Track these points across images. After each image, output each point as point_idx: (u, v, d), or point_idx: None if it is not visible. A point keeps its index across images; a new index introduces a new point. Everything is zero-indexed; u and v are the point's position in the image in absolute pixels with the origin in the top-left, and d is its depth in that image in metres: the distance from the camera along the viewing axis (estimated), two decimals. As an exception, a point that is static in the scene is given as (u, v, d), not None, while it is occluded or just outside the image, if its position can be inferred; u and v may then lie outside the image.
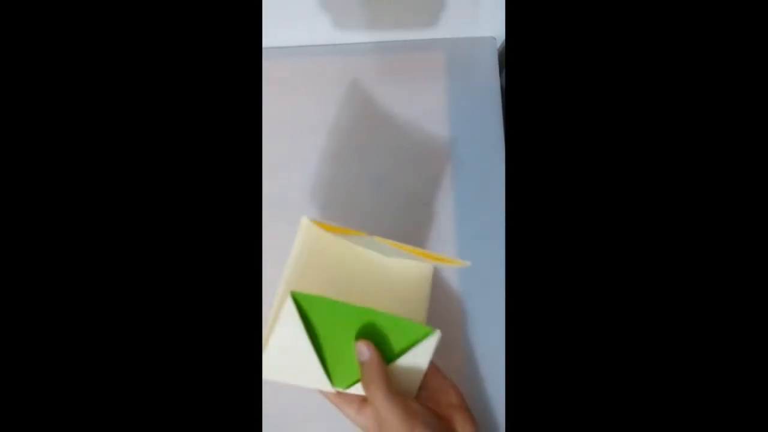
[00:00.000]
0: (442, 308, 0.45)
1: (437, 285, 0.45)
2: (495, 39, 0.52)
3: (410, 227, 0.48)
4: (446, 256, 0.37)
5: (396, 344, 0.33)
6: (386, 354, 0.33)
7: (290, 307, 0.31)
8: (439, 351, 0.35)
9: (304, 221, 0.36)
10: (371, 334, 0.33)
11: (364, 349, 0.32)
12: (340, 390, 0.33)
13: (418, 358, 0.34)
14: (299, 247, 0.36)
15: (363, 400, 0.33)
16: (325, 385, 0.33)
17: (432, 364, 0.34)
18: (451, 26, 0.50)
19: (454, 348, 0.44)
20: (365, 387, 0.31)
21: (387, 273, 0.38)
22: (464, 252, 0.47)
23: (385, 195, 0.48)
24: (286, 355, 0.32)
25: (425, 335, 0.33)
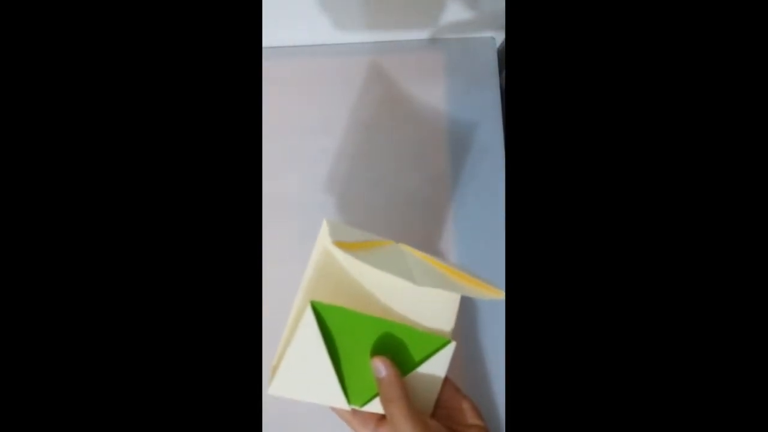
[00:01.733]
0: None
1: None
2: (495, 39, 0.52)
3: (410, 227, 0.48)
4: (479, 279, 0.35)
5: (412, 356, 0.32)
6: (403, 366, 0.32)
7: (309, 317, 0.30)
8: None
9: (325, 239, 0.33)
10: (387, 346, 0.32)
11: (381, 366, 0.30)
12: (356, 408, 0.32)
13: (435, 369, 0.33)
14: (317, 261, 0.33)
15: (379, 419, 0.32)
16: (341, 402, 0.31)
17: (450, 383, 0.33)
18: (451, 26, 0.50)
19: (454, 352, 0.44)
20: (384, 405, 0.30)
21: (410, 300, 0.35)
22: (464, 252, 0.47)
23: (385, 195, 0.48)
24: (301, 370, 0.31)
25: (440, 346, 0.33)
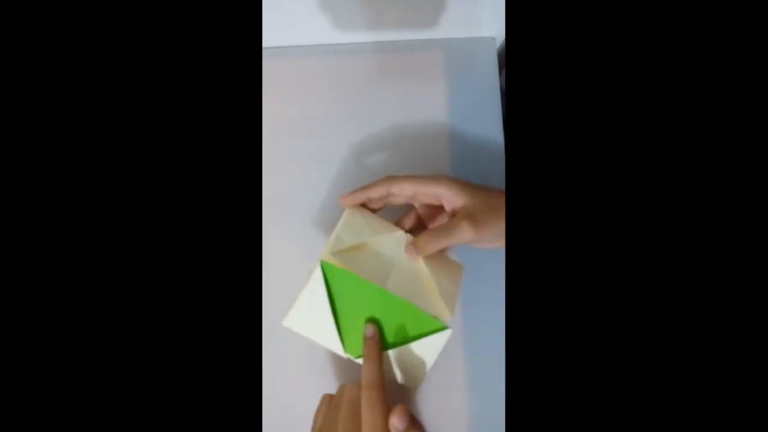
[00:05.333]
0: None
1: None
2: (495, 39, 0.52)
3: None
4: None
5: (406, 331, 0.35)
6: (394, 336, 0.34)
7: (318, 274, 0.34)
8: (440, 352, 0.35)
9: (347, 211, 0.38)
10: (385, 313, 0.35)
11: (370, 327, 0.35)
12: (351, 357, 0.35)
13: (426, 350, 0.35)
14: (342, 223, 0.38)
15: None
16: (338, 349, 0.35)
17: None
18: (451, 26, 0.50)
19: (454, 350, 0.44)
20: (363, 360, 0.34)
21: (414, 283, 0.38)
22: (464, 252, 0.47)
23: (385, 195, 0.48)
24: (310, 314, 0.35)
25: (436, 329, 0.34)
